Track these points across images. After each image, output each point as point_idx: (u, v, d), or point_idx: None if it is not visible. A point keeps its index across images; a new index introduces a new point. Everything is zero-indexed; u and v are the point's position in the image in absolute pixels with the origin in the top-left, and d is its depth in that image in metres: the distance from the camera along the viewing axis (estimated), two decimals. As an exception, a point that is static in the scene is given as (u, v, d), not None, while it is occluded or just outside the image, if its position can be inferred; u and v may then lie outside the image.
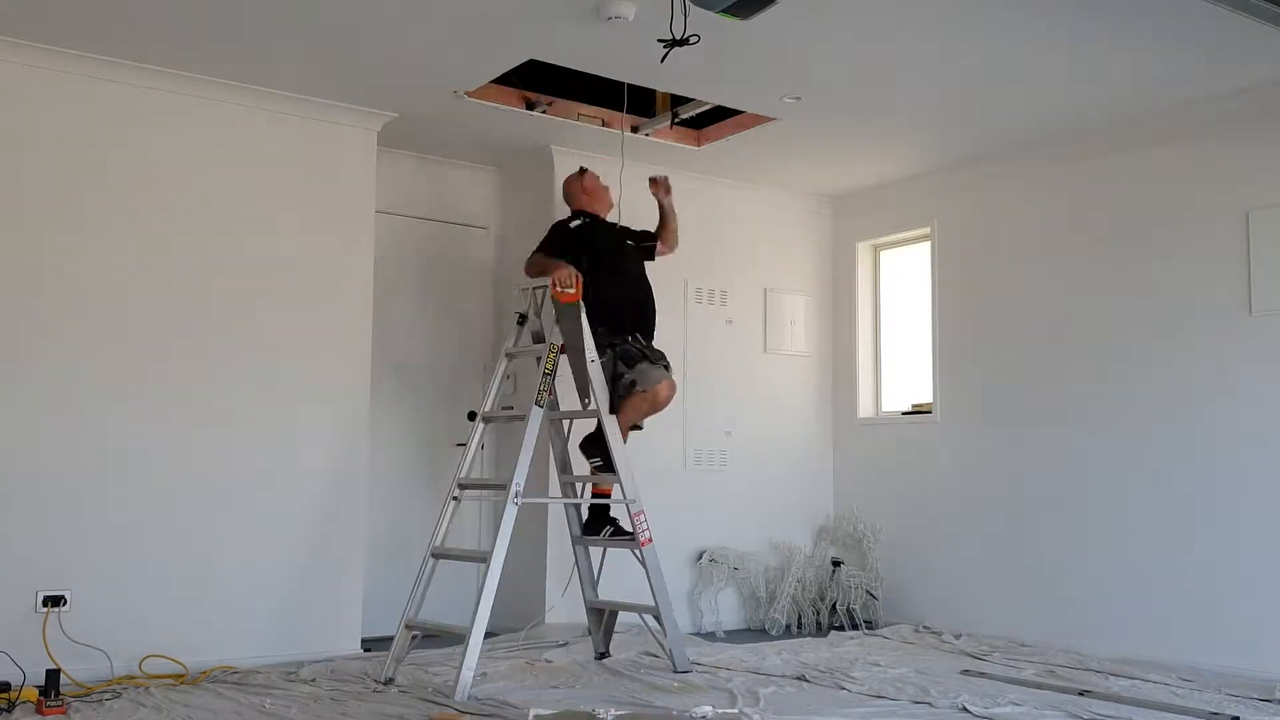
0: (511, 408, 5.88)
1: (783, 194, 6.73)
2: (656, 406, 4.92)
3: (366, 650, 5.12)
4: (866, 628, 6.06)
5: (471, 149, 5.97)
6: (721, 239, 6.48)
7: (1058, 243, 5.71)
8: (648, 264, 5.31)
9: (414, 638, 4.51)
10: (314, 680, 4.41)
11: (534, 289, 5.08)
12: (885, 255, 6.86)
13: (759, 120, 5.50)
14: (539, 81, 5.26)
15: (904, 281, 6.72)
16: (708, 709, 3.85)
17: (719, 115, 5.65)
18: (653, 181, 5.38)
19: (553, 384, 4.72)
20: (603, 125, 5.55)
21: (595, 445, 4.94)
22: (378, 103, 5.23)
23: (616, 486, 4.74)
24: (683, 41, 3.99)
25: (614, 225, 5.34)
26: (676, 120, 5.60)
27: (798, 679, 4.58)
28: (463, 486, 4.76)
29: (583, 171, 5.31)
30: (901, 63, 4.64)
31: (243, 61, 4.70)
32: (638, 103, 5.43)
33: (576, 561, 5.12)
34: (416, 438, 5.97)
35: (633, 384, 4.85)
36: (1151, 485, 5.21)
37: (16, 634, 4.26)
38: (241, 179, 5.00)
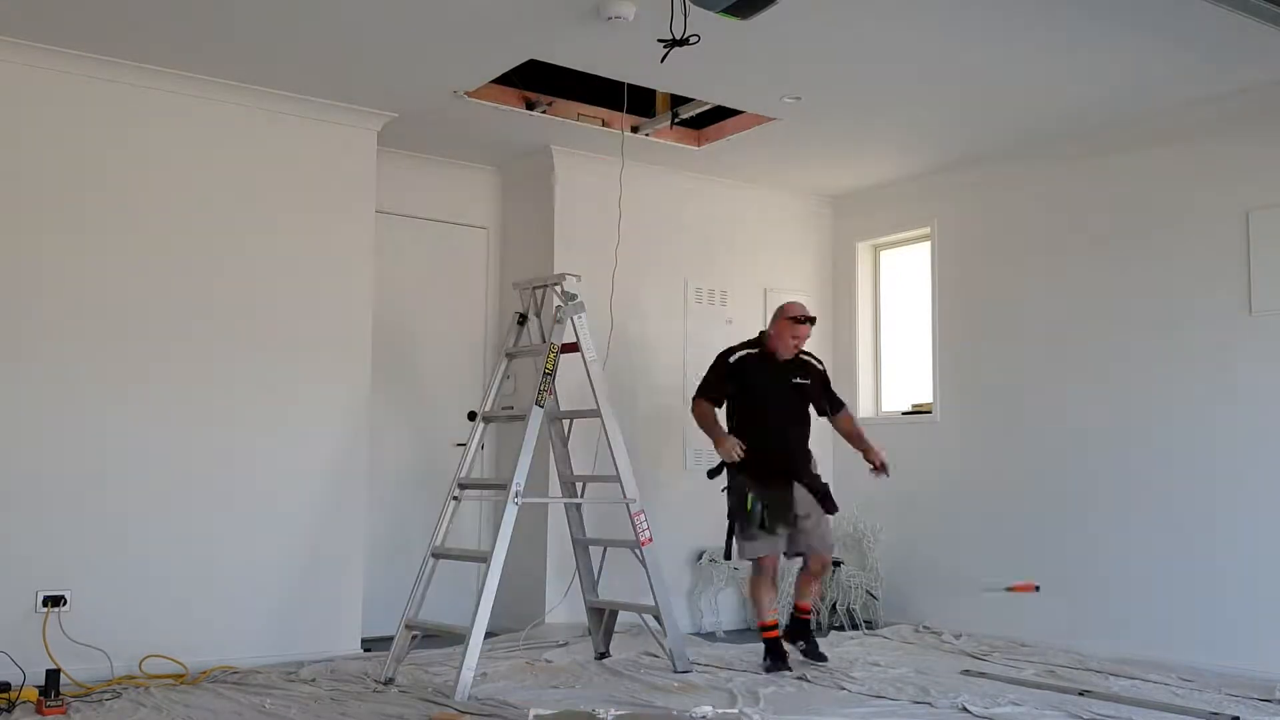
0: (512, 407, 5.89)
1: (783, 194, 6.73)
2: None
3: (366, 650, 5.12)
4: (866, 628, 6.06)
5: (471, 149, 5.97)
6: (721, 239, 6.48)
7: (1058, 243, 5.71)
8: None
9: (414, 638, 4.51)
10: (314, 680, 4.41)
11: (534, 288, 5.08)
12: (885, 255, 6.86)
13: (759, 120, 5.50)
14: (539, 81, 5.26)
15: (904, 281, 6.72)
16: (708, 709, 3.85)
17: (719, 115, 5.65)
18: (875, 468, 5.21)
19: (553, 384, 4.70)
20: (603, 125, 5.55)
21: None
22: (378, 103, 5.23)
23: (619, 485, 4.74)
24: (683, 41, 3.99)
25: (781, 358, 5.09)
26: (676, 120, 5.60)
27: (798, 679, 4.58)
28: (463, 486, 4.76)
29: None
30: (901, 63, 4.64)
31: (243, 61, 4.70)
32: (638, 103, 5.43)
33: (577, 562, 5.12)
34: (416, 438, 5.97)
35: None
36: (1151, 485, 5.21)
37: (16, 634, 4.26)
38: (241, 179, 5.00)
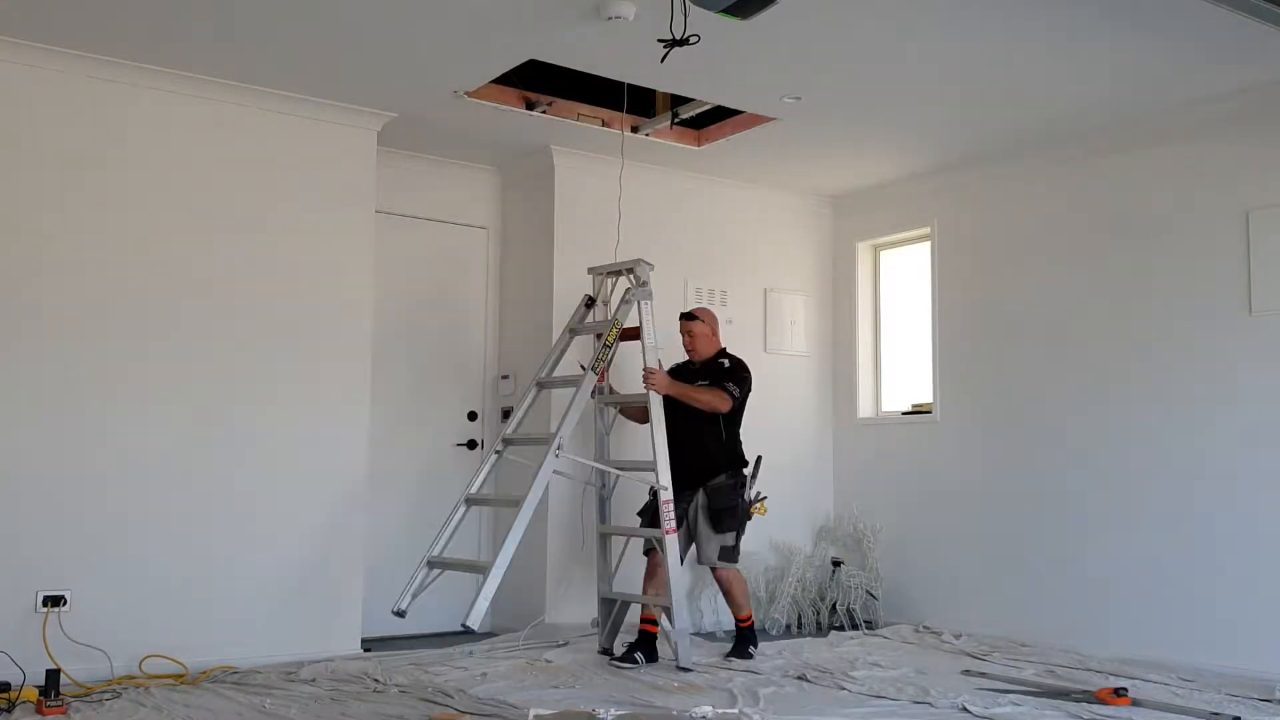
0: (511, 408, 5.88)
1: (783, 194, 6.73)
2: None
3: (366, 650, 5.12)
4: (866, 628, 6.06)
5: (471, 149, 5.96)
6: (721, 239, 6.48)
7: (1058, 242, 5.71)
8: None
9: (435, 574, 4.66)
10: (314, 680, 4.41)
11: (607, 274, 5.24)
12: (885, 255, 6.86)
13: (759, 120, 5.50)
14: (539, 81, 5.26)
15: (904, 281, 6.72)
16: (708, 709, 3.85)
17: (719, 115, 5.65)
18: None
19: (610, 359, 4.88)
20: (603, 125, 5.55)
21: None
22: (378, 103, 5.23)
23: (654, 474, 4.87)
24: (683, 41, 3.99)
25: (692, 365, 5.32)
26: (676, 120, 5.60)
27: (798, 679, 4.58)
28: (507, 442, 4.93)
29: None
30: (901, 63, 4.64)
31: (243, 61, 4.70)
32: (638, 103, 5.44)
33: (596, 553, 5.26)
34: (416, 438, 5.97)
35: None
36: (1151, 485, 5.21)
37: (16, 634, 4.26)
38: (241, 179, 4.99)
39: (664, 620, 4.94)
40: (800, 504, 6.59)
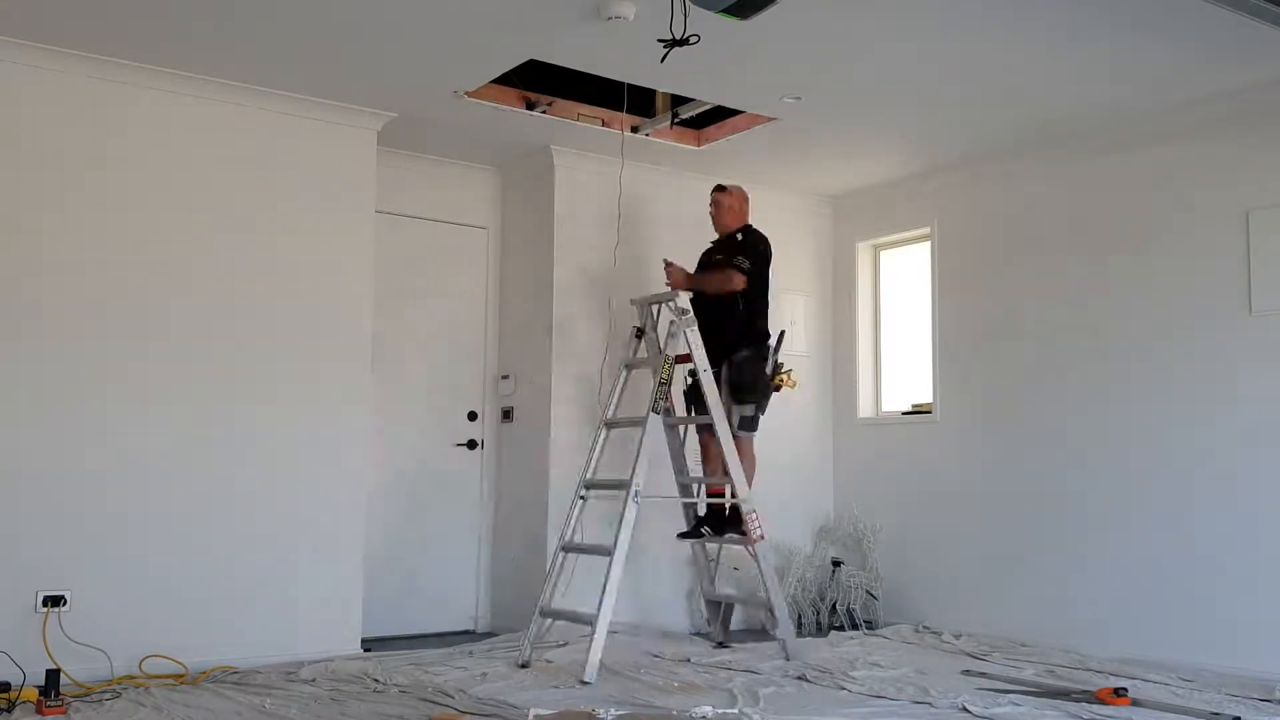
0: (512, 410, 5.89)
1: (783, 194, 6.73)
2: None
3: (366, 650, 5.12)
4: (866, 628, 6.06)
5: (471, 149, 5.96)
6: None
7: (1058, 242, 5.71)
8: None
9: (549, 623, 4.96)
10: (314, 680, 4.41)
11: (649, 304, 5.39)
12: (885, 255, 6.86)
13: (759, 120, 5.51)
14: (539, 81, 5.26)
15: (904, 281, 6.72)
16: (708, 709, 3.85)
17: (719, 115, 5.66)
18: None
19: (668, 393, 5.05)
20: (603, 125, 5.55)
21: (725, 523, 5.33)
22: (378, 103, 5.23)
23: (728, 486, 5.12)
24: (683, 41, 3.99)
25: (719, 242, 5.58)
26: (676, 120, 5.60)
27: (798, 679, 4.58)
28: (589, 486, 5.08)
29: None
30: (901, 63, 4.64)
31: (243, 61, 4.70)
32: (638, 103, 5.44)
33: (695, 559, 5.56)
34: (416, 438, 5.97)
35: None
36: (1151, 485, 5.21)
37: (16, 634, 4.26)
38: (241, 179, 4.99)
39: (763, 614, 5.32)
40: (800, 504, 6.59)
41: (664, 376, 4.99)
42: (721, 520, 5.32)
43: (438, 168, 6.12)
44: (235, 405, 4.88)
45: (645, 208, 6.07)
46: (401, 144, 5.73)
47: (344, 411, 5.17)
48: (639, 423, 4.98)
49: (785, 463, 6.45)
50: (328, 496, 5.10)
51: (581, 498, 5.07)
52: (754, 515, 5.06)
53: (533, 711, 3.75)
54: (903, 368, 6.68)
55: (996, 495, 5.87)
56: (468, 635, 5.84)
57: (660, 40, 4.02)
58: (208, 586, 4.74)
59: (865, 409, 6.75)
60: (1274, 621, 4.73)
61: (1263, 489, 4.83)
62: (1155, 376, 5.24)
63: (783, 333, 5.49)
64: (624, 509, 4.70)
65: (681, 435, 5.55)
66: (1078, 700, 4.15)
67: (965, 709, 4.01)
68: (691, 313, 5.11)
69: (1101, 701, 4.11)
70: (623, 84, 5.14)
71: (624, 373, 5.32)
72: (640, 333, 5.41)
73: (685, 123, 5.70)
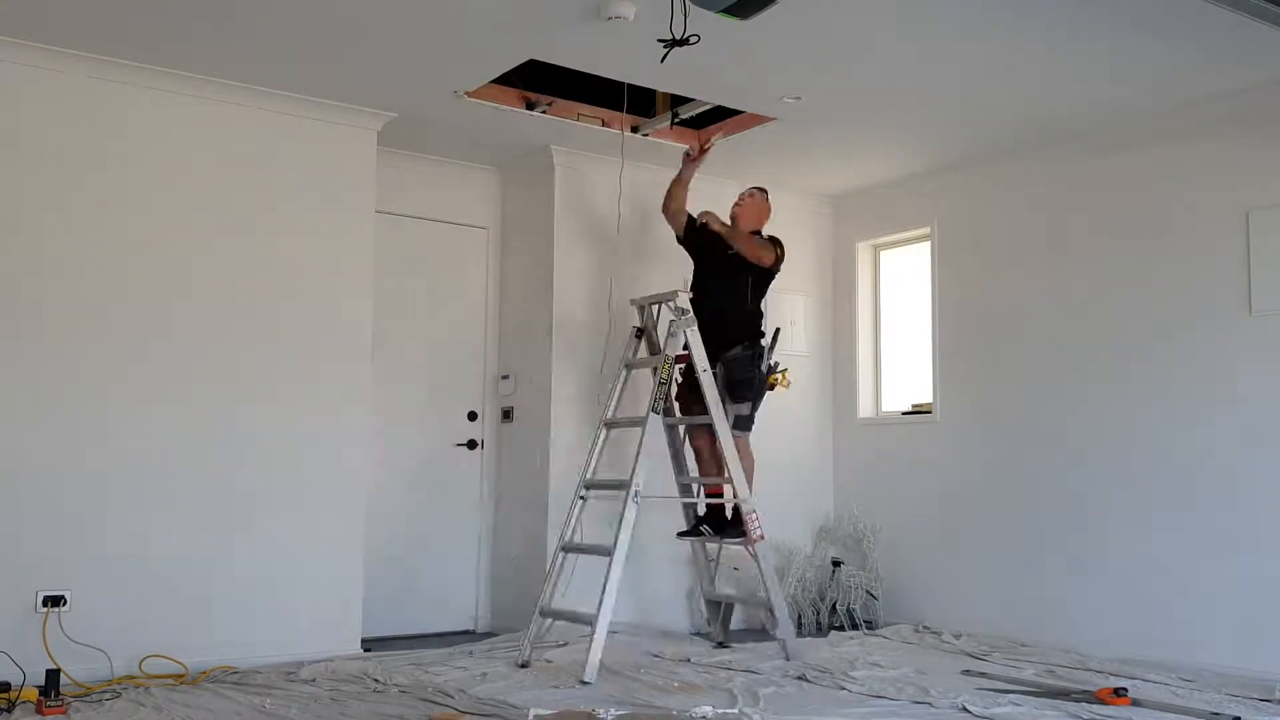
0: (511, 410, 5.89)
1: (783, 194, 6.70)
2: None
3: (366, 650, 5.12)
4: (866, 628, 6.06)
5: (471, 149, 5.96)
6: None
7: (1058, 242, 5.71)
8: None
9: (549, 623, 4.96)
10: (314, 680, 4.41)
11: (649, 304, 5.36)
12: (885, 255, 6.86)
13: (759, 120, 5.50)
14: (539, 81, 5.26)
15: (904, 281, 6.72)
16: (708, 709, 3.85)
17: (719, 115, 5.65)
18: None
19: (668, 393, 5.06)
20: (603, 125, 5.55)
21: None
22: (378, 103, 5.23)
23: (728, 486, 5.14)
24: (683, 41, 3.99)
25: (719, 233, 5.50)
26: (676, 120, 5.60)
27: (798, 679, 4.58)
28: (588, 487, 5.08)
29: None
30: (901, 63, 4.64)
31: (243, 61, 4.70)
32: (638, 103, 5.44)
33: (695, 559, 5.55)
34: (416, 438, 5.97)
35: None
36: (1151, 485, 5.21)
37: (16, 634, 4.26)
38: (241, 179, 4.99)
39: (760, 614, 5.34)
40: (800, 504, 6.59)
41: (663, 376, 5.00)
42: (721, 520, 5.34)
43: (438, 168, 6.12)
44: (235, 405, 4.88)
45: (645, 208, 6.07)
46: (401, 144, 5.73)
47: (344, 411, 5.17)
48: (639, 423, 4.99)
49: (785, 463, 6.45)
50: (328, 496, 5.10)
51: (581, 498, 5.08)
52: (754, 515, 5.07)
53: (533, 711, 3.75)
54: (903, 368, 6.68)
55: (996, 495, 5.87)
56: (468, 635, 5.84)
57: (660, 40, 4.02)
58: (208, 586, 4.74)
59: (865, 409, 6.75)
60: (1274, 621, 4.73)
61: (1263, 489, 4.82)
62: (1155, 376, 5.24)
63: (778, 330, 5.51)
64: (624, 509, 4.71)
65: (681, 435, 5.55)
66: (1078, 700, 4.15)
67: (965, 709, 4.01)
68: (691, 313, 5.11)
69: (1101, 701, 4.11)
70: (623, 84, 5.14)
71: (624, 373, 5.32)
72: (640, 333, 5.42)
73: (685, 123, 5.69)
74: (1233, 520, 4.91)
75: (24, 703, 3.91)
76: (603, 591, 4.55)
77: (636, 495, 4.73)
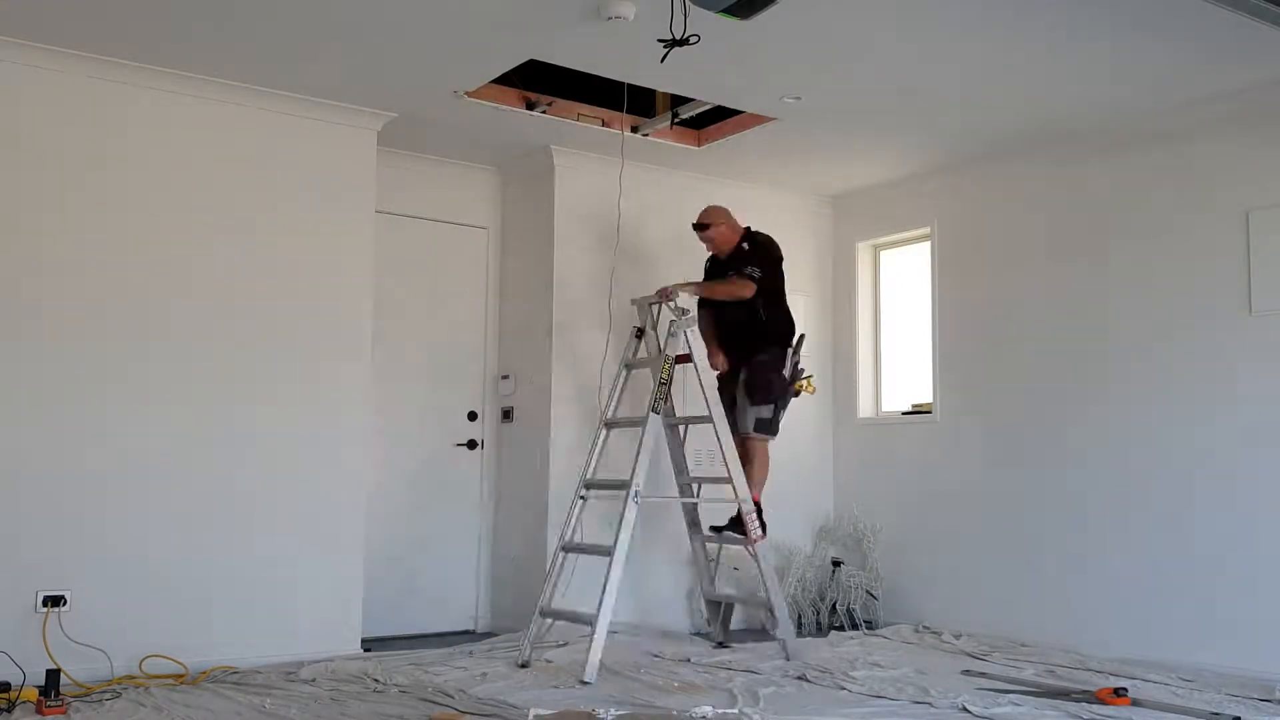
0: (511, 409, 5.88)
1: (783, 194, 6.73)
2: None
3: (366, 650, 5.12)
4: (866, 628, 6.06)
5: (471, 149, 5.96)
6: (721, 239, 6.47)
7: (1057, 242, 5.71)
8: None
9: (549, 624, 4.97)
10: (314, 680, 4.41)
11: (649, 303, 5.34)
12: (885, 255, 6.86)
13: (759, 120, 5.50)
14: (539, 81, 5.26)
15: (904, 281, 6.72)
16: (708, 709, 3.85)
17: (719, 115, 5.65)
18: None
19: (668, 393, 5.05)
20: (603, 125, 5.55)
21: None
22: (378, 103, 5.23)
23: (730, 487, 5.10)
24: (683, 41, 3.99)
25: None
26: (676, 120, 5.60)
27: (798, 679, 4.58)
28: (589, 486, 5.08)
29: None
30: (901, 63, 4.64)
31: (243, 61, 4.70)
32: (638, 103, 5.44)
33: (695, 558, 5.51)
34: (416, 437, 5.97)
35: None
36: (1151, 485, 5.21)
37: (16, 634, 4.26)
38: (241, 179, 4.99)
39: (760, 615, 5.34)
40: (800, 504, 6.59)
41: (663, 376, 4.99)
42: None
43: (438, 168, 6.12)
44: (235, 405, 4.88)
45: (645, 208, 6.07)
46: (401, 144, 5.73)
47: (344, 411, 5.17)
48: (639, 423, 4.98)
49: (785, 463, 6.43)
50: (328, 496, 5.10)
51: (582, 498, 5.08)
52: (754, 516, 5.07)
53: (533, 711, 3.75)
54: (903, 368, 6.68)
55: (996, 495, 5.87)
56: (468, 635, 5.85)
57: (660, 40, 4.02)
58: (208, 586, 4.74)
59: (865, 409, 6.75)
60: (1274, 621, 4.73)
61: (1263, 489, 4.82)
62: (1155, 376, 5.24)
63: (802, 336, 5.48)
64: (624, 509, 4.70)
65: (681, 435, 5.55)
66: (1078, 700, 4.15)
67: (965, 709, 4.01)
68: (692, 313, 5.11)
69: (1101, 701, 4.11)
70: (623, 84, 5.14)
71: (624, 373, 5.31)
72: (640, 333, 5.41)
73: (685, 123, 5.69)
74: (1233, 520, 4.91)
75: (24, 703, 3.90)
76: (603, 591, 4.55)
77: (637, 495, 4.72)
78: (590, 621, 4.52)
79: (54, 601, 4.38)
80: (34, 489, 4.42)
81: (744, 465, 5.21)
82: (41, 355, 4.47)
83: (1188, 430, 5.10)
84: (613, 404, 5.25)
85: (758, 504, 5.20)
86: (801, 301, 6.75)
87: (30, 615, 4.34)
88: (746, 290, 5.25)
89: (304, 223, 5.13)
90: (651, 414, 4.93)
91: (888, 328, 6.80)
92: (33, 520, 4.41)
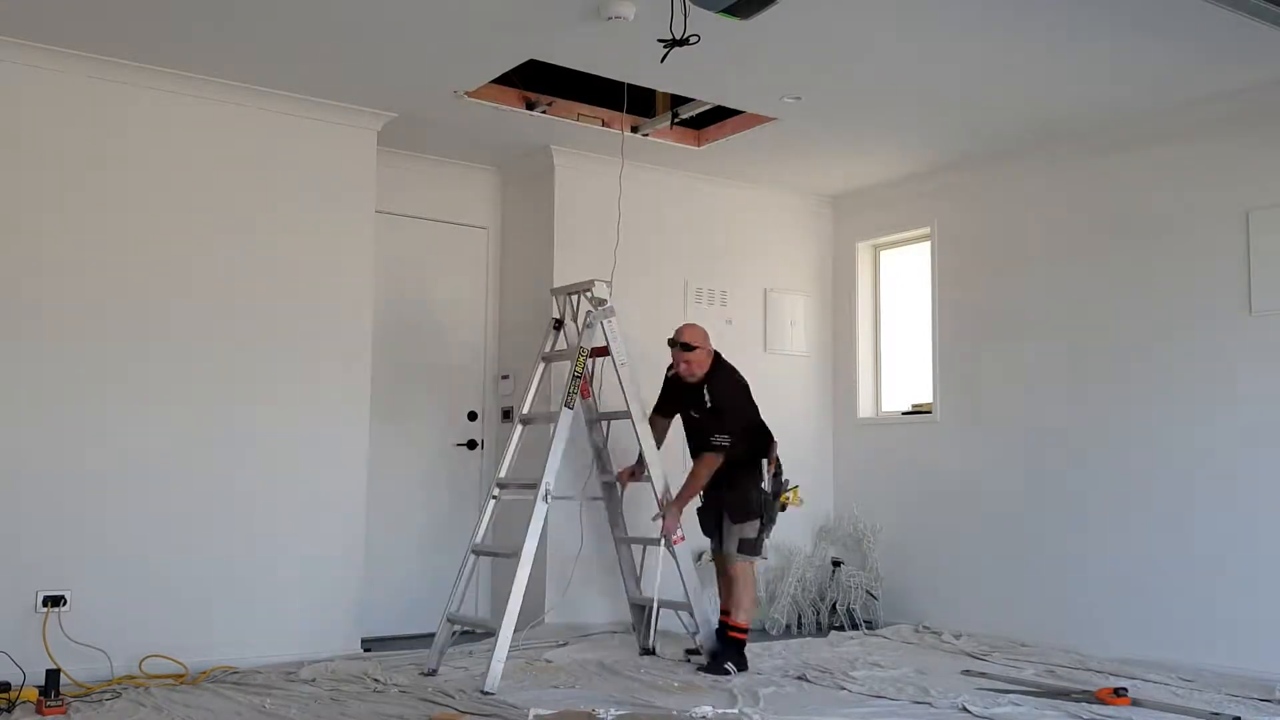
0: (512, 409, 5.88)
1: (783, 194, 6.73)
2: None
3: (366, 650, 5.12)
4: (866, 628, 6.06)
5: (471, 149, 5.96)
6: (722, 239, 6.48)
7: (1057, 242, 5.71)
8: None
9: (455, 632, 4.72)
10: (314, 680, 4.41)
11: (568, 294, 5.23)
12: (885, 255, 6.86)
13: (759, 120, 5.50)
14: (539, 81, 5.26)
15: (904, 281, 6.72)
16: (708, 709, 3.85)
17: (719, 115, 5.65)
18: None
19: (582, 386, 4.91)
20: (603, 125, 5.55)
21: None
22: (378, 103, 5.23)
23: (650, 485, 4.98)
24: (683, 41, 3.99)
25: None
26: (676, 120, 5.60)
27: (798, 679, 4.58)
28: (501, 486, 4.94)
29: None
30: (901, 63, 4.64)
31: (243, 61, 4.70)
32: (638, 103, 5.43)
33: (619, 561, 5.30)
34: (416, 437, 5.97)
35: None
36: (1151, 485, 5.21)
37: (16, 634, 4.26)
38: (241, 179, 4.99)
39: (684, 616, 5.08)
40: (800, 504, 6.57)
41: (577, 370, 4.82)
42: (727, 647, 4.89)
43: (438, 168, 6.12)
44: (235, 405, 4.88)
45: (645, 208, 6.07)
46: (401, 144, 5.73)
47: (344, 411, 5.17)
48: (553, 418, 4.83)
49: (785, 462, 6.43)
50: (328, 496, 5.09)
51: (494, 497, 4.94)
52: (676, 514, 4.88)
53: (533, 711, 3.75)
54: (903, 368, 6.68)
55: (996, 495, 5.87)
56: (468, 635, 5.84)
57: (660, 40, 4.02)
58: (208, 586, 4.74)
59: (865, 409, 6.75)
60: (1274, 621, 4.73)
61: (1263, 489, 4.82)
62: (1155, 376, 5.24)
63: (775, 453, 5.07)
64: (534, 509, 4.52)
65: (605, 432, 5.36)
66: (1078, 700, 4.15)
67: (965, 709, 4.01)
68: (610, 304, 4.94)
69: (1101, 701, 4.11)
70: (623, 84, 5.13)
71: (540, 366, 5.19)
72: (559, 324, 5.24)
73: (685, 123, 5.69)
74: (1233, 520, 4.91)
75: (24, 703, 3.91)
76: (510, 595, 4.40)
77: (547, 495, 4.56)
78: (493, 630, 4.35)
79: (54, 601, 4.38)
80: (34, 489, 4.42)
81: (729, 590, 4.99)
82: (41, 355, 4.47)
83: (1188, 430, 5.10)
84: (528, 399, 5.11)
85: (742, 635, 4.89)
86: (802, 301, 6.77)
87: (30, 615, 4.34)
88: (720, 462, 4.92)
89: (304, 223, 5.13)
90: (564, 409, 4.73)
91: (888, 328, 6.80)
92: (33, 520, 4.41)
